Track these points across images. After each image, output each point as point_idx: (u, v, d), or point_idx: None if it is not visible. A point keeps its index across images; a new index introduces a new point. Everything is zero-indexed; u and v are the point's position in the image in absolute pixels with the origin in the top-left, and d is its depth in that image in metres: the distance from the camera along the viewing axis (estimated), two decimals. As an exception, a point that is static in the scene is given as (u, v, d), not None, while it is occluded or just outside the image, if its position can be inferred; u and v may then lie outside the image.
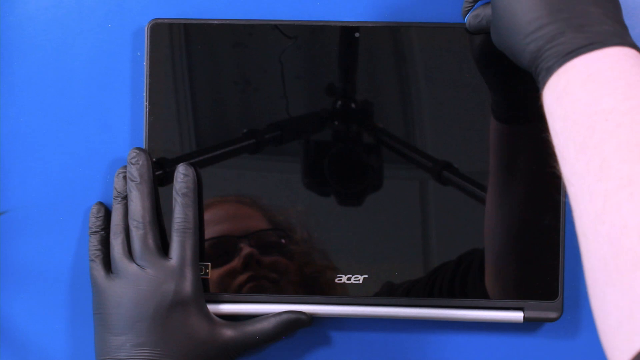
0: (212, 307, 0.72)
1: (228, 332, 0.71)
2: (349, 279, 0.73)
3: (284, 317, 0.72)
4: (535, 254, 0.72)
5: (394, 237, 0.72)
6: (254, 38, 0.72)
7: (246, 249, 0.73)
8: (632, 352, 0.45)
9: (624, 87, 0.52)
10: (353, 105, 0.72)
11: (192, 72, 0.73)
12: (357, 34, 0.72)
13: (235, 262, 0.73)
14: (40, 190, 0.75)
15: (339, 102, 0.72)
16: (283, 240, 0.73)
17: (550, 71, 0.56)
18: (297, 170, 0.73)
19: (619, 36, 0.55)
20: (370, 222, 0.73)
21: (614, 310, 0.48)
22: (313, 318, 0.73)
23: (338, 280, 0.73)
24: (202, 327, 0.70)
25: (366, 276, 0.72)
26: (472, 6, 0.69)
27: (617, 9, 0.58)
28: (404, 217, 0.72)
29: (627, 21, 0.60)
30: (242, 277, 0.73)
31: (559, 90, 0.55)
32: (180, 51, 0.73)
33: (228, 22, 0.72)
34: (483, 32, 0.69)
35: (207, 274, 0.73)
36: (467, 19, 0.69)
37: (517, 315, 0.72)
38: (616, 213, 0.48)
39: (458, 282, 0.72)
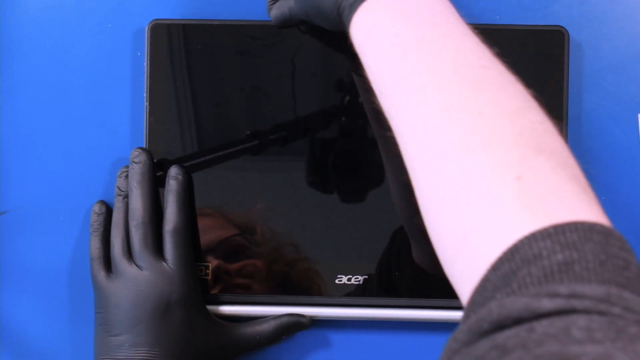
0: (212, 308, 0.72)
1: (227, 333, 0.71)
2: (349, 279, 0.72)
3: (284, 319, 0.72)
4: None
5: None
6: (255, 39, 0.72)
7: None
8: (476, 279, 0.44)
9: (429, 16, 0.53)
10: (353, 104, 0.72)
11: (192, 72, 0.73)
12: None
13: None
14: (40, 190, 0.75)
15: (344, 100, 0.72)
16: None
17: (354, 7, 0.56)
18: (302, 169, 0.72)
19: None
20: (372, 219, 0.72)
21: (450, 238, 0.47)
22: (313, 320, 0.73)
23: (338, 280, 0.72)
24: (200, 327, 0.70)
25: (366, 276, 0.72)
26: (275, 1, 0.69)
27: None
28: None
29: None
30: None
31: (367, 24, 0.56)
32: (181, 52, 0.73)
33: (228, 22, 0.72)
34: (289, 23, 0.68)
35: (207, 274, 0.72)
36: (271, 13, 0.69)
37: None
38: (437, 139, 0.48)
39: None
